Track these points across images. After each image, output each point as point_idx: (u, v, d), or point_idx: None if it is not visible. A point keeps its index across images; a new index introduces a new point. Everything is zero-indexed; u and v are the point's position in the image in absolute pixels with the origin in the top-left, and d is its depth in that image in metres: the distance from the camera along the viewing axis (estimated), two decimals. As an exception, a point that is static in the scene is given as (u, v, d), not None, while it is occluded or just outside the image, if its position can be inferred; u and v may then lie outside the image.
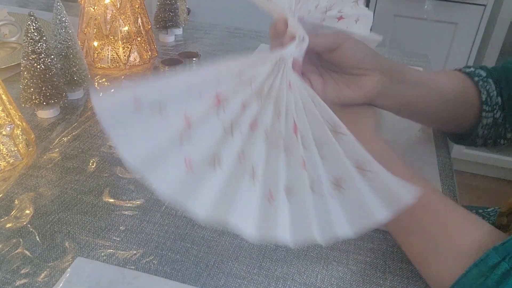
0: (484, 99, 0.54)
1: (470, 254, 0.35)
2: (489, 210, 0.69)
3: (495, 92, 0.54)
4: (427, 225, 0.38)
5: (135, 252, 0.42)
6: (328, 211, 0.36)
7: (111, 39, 0.78)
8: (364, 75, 0.46)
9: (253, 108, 0.38)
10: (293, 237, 0.36)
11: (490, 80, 0.55)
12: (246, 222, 0.36)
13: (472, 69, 0.56)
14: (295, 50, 0.40)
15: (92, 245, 0.43)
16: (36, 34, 0.57)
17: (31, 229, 0.44)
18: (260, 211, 0.36)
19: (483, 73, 0.55)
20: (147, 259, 0.41)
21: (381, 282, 0.40)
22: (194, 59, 0.81)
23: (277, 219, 0.36)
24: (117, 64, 0.80)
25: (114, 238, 0.44)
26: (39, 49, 0.58)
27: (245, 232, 0.35)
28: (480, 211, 0.69)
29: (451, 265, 0.36)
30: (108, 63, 0.79)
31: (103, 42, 0.78)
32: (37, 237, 0.43)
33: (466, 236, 0.36)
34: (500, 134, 0.57)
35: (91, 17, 0.77)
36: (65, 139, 0.59)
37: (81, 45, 0.77)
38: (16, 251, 0.42)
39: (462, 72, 0.56)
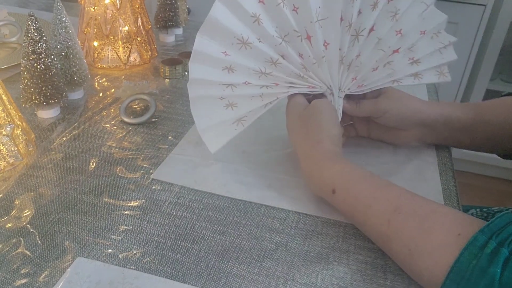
0: None
1: (451, 243, 0.36)
2: (494, 209, 0.69)
3: None
4: (404, 229, 0.39)
5: (135, 252, 0.42)
6: None
7: (111, 39, 0.78)
8: (404, 130, 0.56)
9: None
10: None
11: None
12: None
13: None
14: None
15: (93, 245, 0.43)
16: (36, 34, 0.57)
17: (31, 229, 0.44)
18: None
19: None
20: (148, 259, 0.41)
21: (381, 282, 0.40)
22: (194, 59, 0.80)
23: None
24: (117, 64, 0.80)
25: (114, 238, 0.44)
26: (39, 49, 0.58)
27: None
28: (485, 209, 0.69)
29: (438, 259, 0.36)
30: (108, 63, 0.80)
31: (103, 42, 0.78)
32: (37, 237, 0.43)
33: (442, 228, 0.37)
34: None
35: (91, 17, 0.77)
36: (65, 139, 0.59)
37: (81, 45, 0.77)
38: (16, 251, 0.42)
39: None
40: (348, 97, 0.55)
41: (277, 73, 0.53)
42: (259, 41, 0.52)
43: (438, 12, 0.56)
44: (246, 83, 0.53)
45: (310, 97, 0.54)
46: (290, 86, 0.53)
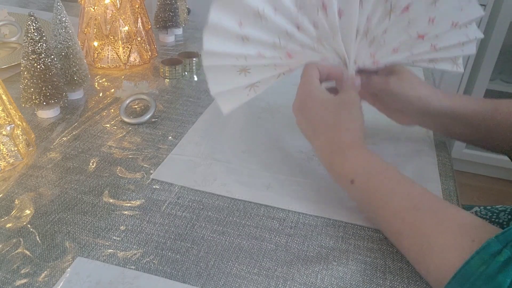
0: None
1: (464, 248, 0.36)
2: (498, 207, 0.69)
3: None
4: (419, 226, 0.39)
5: (135, 252, 0.42)
6: None
7: (111, 39, 0.78)
8: (408, 115, 0.56)
9: None
10: None
11: None
12: None
13: None
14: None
15: (92, 245, 0.43)
16: (36, 34, 0.57)
17: (31, 229, 0.44)
18: None
19: None
20: (147, 259, 0.41)
21: (381, 282, 0.40)
22: (194, 59, 0.81)
23: None
24: (117, 64, 0.80)
25: (114, 238, 0.44)
26: (39, 49, 0.58)
27: None
28: (489, 207, 0.69)
29: (448, 260, 0.36)
30: (108, 63, 0.80)
31: (103, 42, 0.78)
32: (37, 237, 0.43)
33: (458, 231, 0.37)
34: None
35: (91, 17, 0.77)
36: (65, 139, 0.59)
37: (81, 45, 0.77)
38: (16, 251, 0.42)
39: None
40: (359, 70, 0.54)
41: (292, 45, 0.51)
42: (275, 12, 0.50)
43: (477, 5, 0.53)
44: (260, 55, 0.52)
45: (324, 77, 0.53)
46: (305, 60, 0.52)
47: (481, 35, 0.54)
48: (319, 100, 0.50)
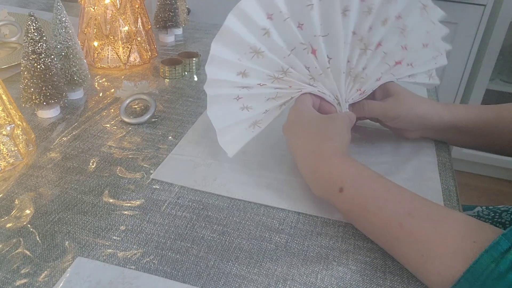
0: None
1: (467, 250, 0.35)
2: (500, 207, 0.69)
3: None
4: (417, 232, 0.38)
5: (135, 252, 0.42)
6: None
7: (111, 39, 0.78)
8: (411, 131, 0.58)
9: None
10: None
11: None
12: None
13: None
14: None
15: (92, 245, 0.43)
16: (36, 34, 0.57)
17: (31, 229, 0.44)
18: None
19: None
20: (147, 259, 0.41)
21: (381, 282, 0.40)
22: (194, 59, 0.81)
23: None
24: (117, 64, 0.80)
25: (114, 238, 0.44)
26: (39, 49, 0.58)
27: None
28: (491, 207, 0.69)
29: (451, 265, 0.36)
30: (108, 63, 0.80)
31: (103, 42, 0.78)
32: (37, 237, 0.43)
33: (457, 234, 0.37)
34: None
35: (91, 17, 0.77)
36: (65, 139, 0.59)
37: (81, 45, 0.77)
38: (17, 251, 0.42)
39: None
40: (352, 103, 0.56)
41: (289, 79, 0.55)
42: (270, 52, 0.54)
43: (441, 26, 0.58)
44: (261, 84, 0.55)
45: (316, 107, 0.54)
46: (303, 88, 0.54)
47: (449, 47, 0.59)
48: (307, 117, 0.50)
